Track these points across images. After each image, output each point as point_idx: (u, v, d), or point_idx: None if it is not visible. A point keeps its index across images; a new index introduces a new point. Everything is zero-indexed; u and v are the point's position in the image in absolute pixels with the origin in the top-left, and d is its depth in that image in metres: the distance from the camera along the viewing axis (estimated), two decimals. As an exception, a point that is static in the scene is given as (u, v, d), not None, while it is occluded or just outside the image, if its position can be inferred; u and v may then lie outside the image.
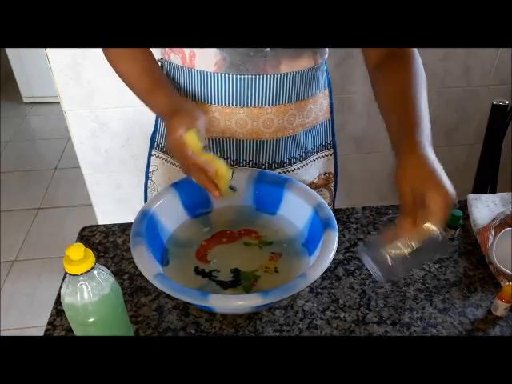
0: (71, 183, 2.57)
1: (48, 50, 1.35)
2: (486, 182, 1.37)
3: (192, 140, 0.70)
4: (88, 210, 1.83)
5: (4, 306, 1.92)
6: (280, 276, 0.73)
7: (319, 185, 0.98)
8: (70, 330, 0.66)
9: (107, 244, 0.86)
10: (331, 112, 0.95)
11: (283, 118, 0.84)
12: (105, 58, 0.82)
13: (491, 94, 1.73)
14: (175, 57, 0.81)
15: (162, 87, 0.79)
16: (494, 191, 1.36)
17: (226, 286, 0.72)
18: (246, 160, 0.87)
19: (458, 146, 1.87)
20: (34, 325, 1.83)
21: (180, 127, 0.69)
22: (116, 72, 0.82)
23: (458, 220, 0.84)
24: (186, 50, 0.79)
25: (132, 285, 0.78)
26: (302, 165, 0.92)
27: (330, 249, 0.68)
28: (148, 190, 0.99)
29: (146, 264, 0.66)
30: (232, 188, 0.76)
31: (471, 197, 0.93)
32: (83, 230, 0.89)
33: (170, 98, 0.76)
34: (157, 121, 0.94)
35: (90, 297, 0.57)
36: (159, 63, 0.89)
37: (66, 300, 0.58)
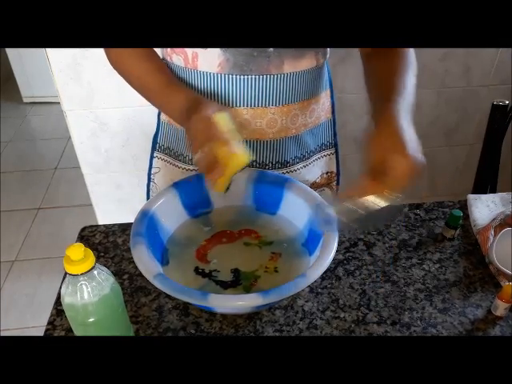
0: (71, 183, 2.57)
1: (48, 50, 1.35)
2: (486, 182, 1.37)
3: (224, 120, 0.68)
4: (88, 210, 1.83)
5: (4, 306, 1.92)
6: (280, 276, 0.73)
7: (321, 184, 0.98)
8: (70, 330, 0.66)
9: (107, 244, 0.86)
10: (333, 111, 0.95)
11: (286, 118, 0.84)
12: (105, 58, 0.81)
13: (491, 94, 1.73)
14: (177, 58, 0.81)
15: (178, 84, 0.79)
16: (494, 191, 1.36)
17: (226, 286, 0.72)
18: None
19: (458, 146, 1.88)
20: (34, 325, 1.83)
21: (211, 107, 0.69)
22: (122, 74, 0.82)
23: (458, 220, 0.84)
24: (189, 51, 0.78)
25: (132, 285, 0.78)
26: (304, 164, 0.92)
27: (329, 249, 0.68)
28: (150, 192, 0.99)
29: (146, 264, 0.66)
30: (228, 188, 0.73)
31: (471, 197, 0.93)
32: (83, 230, 0.89)
33: (190, 92, 0.77)
34: (158, 123, 0.93)
35: (89, 297, 0.57)
36: (160, 57, 0.89)
37: (66, 300, 0.58)
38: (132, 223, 0.73)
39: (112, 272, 0.62)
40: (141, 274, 0.66)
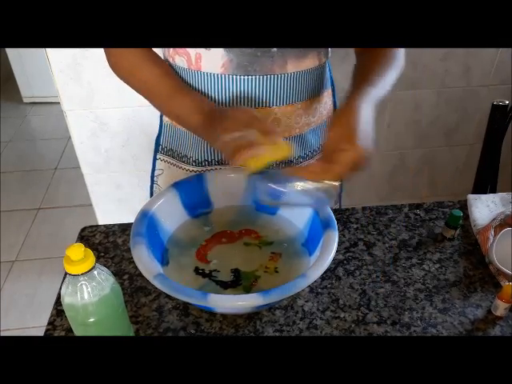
0: (71, 183, 2.57)
1: (48, 49, 1.35)
2: (486, 182, 1.37)
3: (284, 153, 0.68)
4: (88, 210, 1.83)
5: (4, 305, 1.92)
6: (280, 276, 0.73)
7: None
8: (70, 330, 0.66)
9: (107, 244, 0.86)
10: (335, 110, 0.95)
11: (290, 117, 0.84)
12: (105, 59, 0.81)
13: (491, 94, 1.73)
14: (180, 59, 0.81)
15: (188, 88, 0.79)
16: (494, 191, 1.36)
17: (226, 286, 0.72)
18: None
19: (458, 146, 1.88)
20: (34, 325, 1.83)
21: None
22: (125, 78, 0.81)
23: (458, 220, 0.84)
24: (192, 52, 0.78)
25: (132, 285, 0.78)
26: (308, 164, 0.92)
27: (330, 249, 0.68)
28: (154, 194, 0.99)
29: (146, 264, 0.66)
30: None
31: (471, 197, 0.93)
32: (83, 230, 0.89)
33: (203, 97, 0.77)
34: (161, 124, 0.93)
35: (90, 297, 0.57)
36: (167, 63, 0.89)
37: (66, 300, 0.58)
38: (132, 223, 0.73)
39: (112, 272, 0.62)
40: (141, 274, 0.66)
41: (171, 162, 0.92)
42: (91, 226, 0.90)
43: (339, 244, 0.84)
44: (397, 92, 1.66)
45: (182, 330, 0.71)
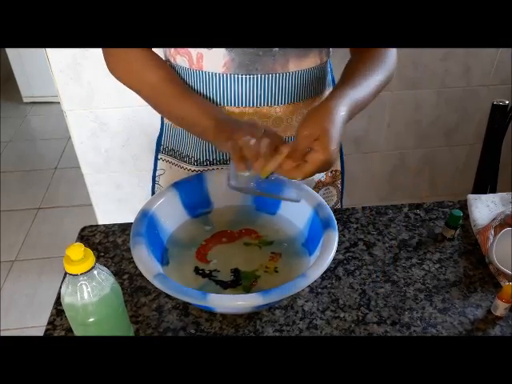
0: (71, 183, 2.57)
1: (48, 49, 1.35)
2: (486, 182, 1.37)
3: None
4: (88, 210, 1.83)
5: (4, 306, 1.92)
6: (280, 276, 0.73)
7: (327, 183, 0.98)
8: (70, 330, 0.66)
9: (107, 244, 0.86)
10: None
11: (292, 116, 0.84)
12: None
13: (491, 94, 1.73)
14: (182, 59, 0.81)
15: (194, 92, 0.79)
16: (494, 191, 1.36)
17: (225, 286, 0.72)
18: None
19: (458, 146, 1.88)
20: (34, 325, 1.83)
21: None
22: (128, 83, 0.81)
23: (458, 220, 0.84)
24: (193, 52, 0.78)
25: (132, 285, 0.78)
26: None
27: (329, 249, 0.68)
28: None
29: (146, 264, 0.66)
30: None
31: (471, 197, 0.93)
32: (83, 229, 0.89)
33: (207, 102, 0.78)
34: (162, 124, 0.93)
35: (89, 297, 0.57)
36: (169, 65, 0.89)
37: (66, 300, 0.58)
38: (132, 223, 0.73)
39: (112, 272, 0.62)
40: (141, 274, 0.66)
41: (172, 161, 0.92)
42: (91, 226, 0.90)
43: (339, 244, 0.84)
44: (397, 92, 1.66)
45: (182, 330, 0.71)
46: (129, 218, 0.82)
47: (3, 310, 1.89)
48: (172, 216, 0.80)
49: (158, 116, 0.92)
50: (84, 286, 0.57)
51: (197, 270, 0.74)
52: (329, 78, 0.91)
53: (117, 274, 0.79)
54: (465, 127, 1.82)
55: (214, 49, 0.76)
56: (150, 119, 1.48)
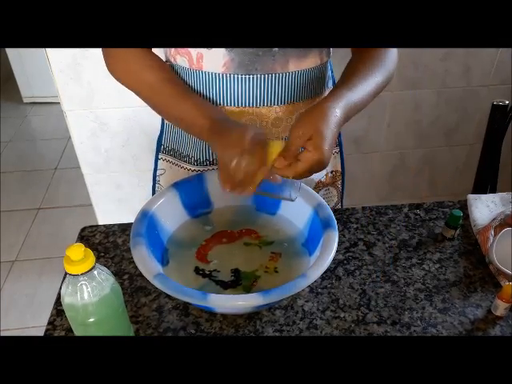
0: (71, 183, 2.57)
1: (48, 50, 1.35)
2: (486, 182, 1.37)
3: (277, 148, 0.67)
4: (88, 210, 1.83)
5: (4, 306, 1.92)
6: (280, 276, 0.73)
7: (327, 183, 0.98)
8: (70, 330, 0.66)
9: (107, 244, 0.86)
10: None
11: (292, 116, 0.84)
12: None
13: (491, 94, 1.73)
14: (182, 59, 0.81)
15: (193, 92, 0.78)
16: (494, 191, 1.36)
17: (226, 286, 0.72)
18: None
19: (458, 146, 1.88)
20: (34, 325, 1.83)
21: (253, 130, 0.68)
22: (127, 83, 0.80)
23: (458, 220, 0.84)
24: (193, 52, 0.78)
25: (132, 285, 0.78)
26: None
27: (330, 249, 0.68)
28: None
29: (146, 264, 0.66)
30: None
31: (471, 197, 0.93)
32: (83, 230, 0.89)
33: (206, 102, 0.76)
34: (163, 124, 0.93)
35: (90, 297, 0.57)
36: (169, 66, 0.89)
37: (66, 300, 0.58)
38: (132, 223, 0.73)
39: (112, 272, 0.62)
40: (141, 274, 0.66)
41: (173, 161, 0.92)
42: (91, 226, 0.90)
43: (339, 244, 0.84)
44: (397, 92, 1.66)
45: (182, 330, 0.71)
46: (129, 218, 0.82)
47: (3, 310, 1.89)
48: (172, 216, 0.80)
49: (158, 116, 0.92)
50: (84, 286, 0.57)
51: (197, 270, 0.74)
52: (329, 78, 0.91)
53: (117, 274, 0.79)
54: (465, 127, 1.82)
55: (213, 49, 0.76)
56: (150, 119, 1.48)
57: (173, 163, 0.92)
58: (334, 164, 0.98)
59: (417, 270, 0.80)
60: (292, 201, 0.73)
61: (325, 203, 0.77)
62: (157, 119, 0.93)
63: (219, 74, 0.79)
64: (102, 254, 0.83)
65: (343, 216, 0.92)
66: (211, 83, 0.80)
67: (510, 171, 1.67)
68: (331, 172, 0.98)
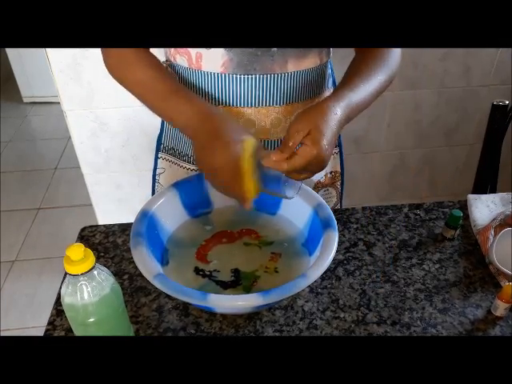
0: (71, 183, 2.57)
1: (48, 50, 1.35)
2: (486, 182, 1.37)
3: (250, 147, 0.66)
4: (88, 210, 1.83)
5: (4, 306, 1.92)
6: (280, 276, 0.73)
7: (326, 184, 0.98)
8: (70, 330, 0.66)
9: (107, 244, 0.86)
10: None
11: (291, 117, 0.84)
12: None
13: (491, 94, 1.73)
14: (181, 58, 0.81)
15: (187, 92, 0.76)
16: (494, 191, 1.36)
17: (226, 286, 0.72)
18: None
19: (458, 146, 1.88)
20: (34, 325, 1.83)
21: (236, 133, 0.67)
22: (121, 80, 0.80)
23: (458, 220, 0.84)
24: (193, 52, 0.78)
25: (132, 285, 0.78)
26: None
27: (330, 249, 0.68)
28: (155, 193, 0.99)
29: (146, 264, 0.66)
30: None
31: (471, 197, 0.93)
32: (83, 230, 0.89)
33: (201, 104, 0.73)
34: (162, 123, 0.93)
35: (90, 297, 0.57)
36: (164, 65, 0.89)
37: (66, 300, 0.58)
38: (132, 223, 0.73)
39: (112, 272, 0.62)
40: (141, 274, 0.66)
41: (172, 160, 0.93)
42: (91, 226, 0.90)
43: (339, 244, 0.84)
44: (397, 92, 1.66)
45: (182, 330, 0.71)
46: (129, 218, 0.82)
47: (3, 310, 1.89)
48: (172, 216, 0.80)
49: (158, 116, 0.93)
50: (84, 286, 0.57)
51: (197, 270, 0.74)
52: (329, 78, 0.91)
53: (117, 274, 0.79)
54: (465, 127, 1.82)
55: (212, 49, 0.76)
56: (149, 119, 1.48)
57: (172, 162, 0.93)
58: (333, 165, 0.98)
59: (417, 270, 0.80)
60: (288, 198, 0.72)
61: (325, 203, 0.77)
62: (157, 119, 0.93)
63: (218, 74, 0.79)
64: (102, 254, 0.83)
65: (343, 216, 0.92)
66: (210, 83, 0.80)
67: (510, 171, 1.67)
68: (330, 173, 0.98)
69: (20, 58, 3.06)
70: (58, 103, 1.47)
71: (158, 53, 0.83)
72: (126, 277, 0.79)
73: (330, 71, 0.91)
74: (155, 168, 0.97)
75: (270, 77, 0.79)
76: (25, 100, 3.31)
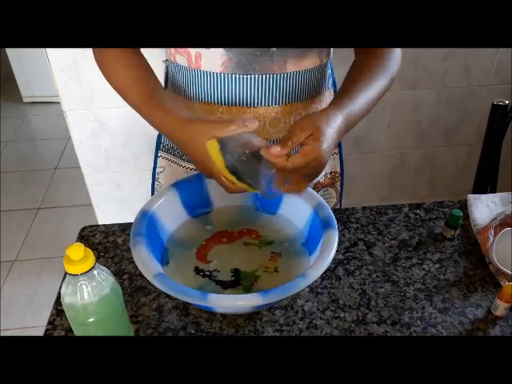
0: (71, 183, 2.57)
1: (48, 50, 1.35)
2: (485, 182, 1.37)
3: (214, 151, 0.67)
4: (88, 210, 1.83)
5: (4, 306, 1.92)
6: (280, 276, 0.73)
7: (326, 184, 0.98)
8: (70, 329, 0.66)
9: (107, 244, 0.86)
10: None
11: (290, 117, 0.84)
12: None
13: (491, 94, 1.73)
14: (181, 58, 0.81)
15: (160, 98, 0.75)
16: (494, 191, 1.36)
17: (226, 286, 0.72)
18: None
19: (458, 146, 1.88)
20: (34, 325, 1.83)
21: (201, 137, 0.68)
22: (108, 81, 0.80)
23: (458, 220, 0.84)
24: (192, 51, 0.78)
25: (132, 285, 0.78)
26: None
27: (330, 249, 0.68)
28: (155, 192, 0.99)
29: (146, 264, 0.66)
30: None
31: (471, 197, 0.93)
32: (83, 229, 0.89)
33: (171, 111, 0.72)
34: None
35: (90, 297, 0.57)
36: (164, 64, 0.89)
37: (66, 300, 0.58)
38: (132, 223, 0.73)
39: (112, 272, 0.62)
40: (141, 274, 0.66)
41: (172, 159, 0.93)
42: (91, 226, 0.90)
43: (339, 244, 0.84)
44: (397, 92, 1.66)
45: (182, 330, 0.71)
46: (129, 218, 0.82)
47: (3, 310, 1.89)
48: (172, 216, 0.80)
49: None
50: (84, 286, 0.57)
51: (197, 270, 0.74)
52: (329, 79, 0.91)
53: (117, 274, 0.79)
54: (465, 127, 1.82)
55: (212, 48, 0.76)
56: (150, 119, 1.48)
57: (172, 161, 0.93)
58: (333, 165, 0.98)
59: (417, 270, 0.80)
60: (270, 197, 0.70)
61: (325, 203, 0.77)
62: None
63: (217, 74, 0.79)
64: (102, 254, 0.83)
65: (343, 216, 0.92)
66: (209, 82, 0.80)
67: (510, 171, 1.67)
68: (330, 173, 0.98)
69: (20, 58, 3.06)
70: (58, 103, 1.47)
71: (158, 52, 0.83)
72: (125, 277, 0.79)
73: (330, 71, 0.91)
74: (155, 167, 0.97)
75: (269, 77, 0.79)
76: (25, 100, 3.31)
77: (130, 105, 0.79)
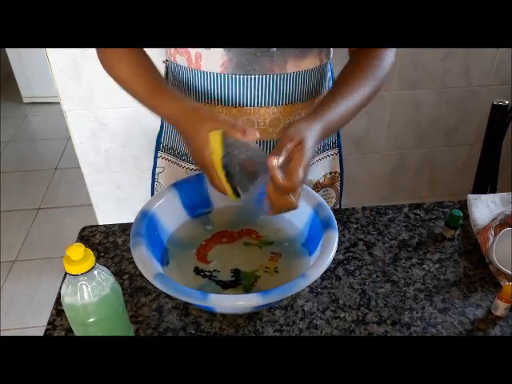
0: (71, 183, 2.57)
1: (48, 50, 1.35)
2: (485, 182, 1.37)
3: (216, 142, 0.66)
4: (88, 210, 1.83)
5: (4, 306, 1.92)
6: (280, 276, 0.73)
7: (325, 184, 0.98)
8: (70, 330, 0.66)
9: (107, 244, 0.86)
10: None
11: (290, 117, 0.84)
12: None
13: (491, 94, 1.73)
14: (181, 58, 0.81)
15: (165, 91, 0.76)
16: (494, 191, 1.36)
17: (226, 286, 0.72)
18: None
19: (458, 146, 1.88)
20: (34, 325, 1.83)
21: (207, 125, 0.67)
22: (113, 78, 0.81)
23: (458, 220, 0.84)
24: (192, 52, 0.78)
25: (132, 285, 0.78)
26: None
27: (330, 249, 0.68)
28: (155, 192, 0.99)
29: (146, 264, 0.66)
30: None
31: (471, 197, 0.93)
32: (83, 230, 0.89)
33: (178, 98, 0.74)
34: (162, 122, 0.94)
35: (90, 297, 0.57)
36: (164, 65, 0.89)
37: (66, 300, 0.58)
38: (132, 223, 0.73)
39: (112, 272, 0.62)
40: (141, 274, 0.66)
41: (171, 159, 0.93)
42: (91, 226, 0.90)
43: (339, 244, 0.84)
44: (397, 92, 1.66)
45: (182, 330, 0.71)
46: (129, 218, 0.82)
47: (3, 310, 1.89)
48: (172, 216, 0.80)
49: (158, 116, 0.93)
50: (84, 286, 0.57)
51: (197, 270, 0.74)
52: (329, 79, 0.91)
53: (117, 274, 0.79)
54: (465, 127, 1.82)
55: (212, 49, 0.76)
56: (150, 119, 1.47)
57: (172, 161, 0.93)
58: (333, 165, 0.98)
59: (417, 270, 0.80)
60: (253, 209, 0.71)
61: (325, 203, 0.77)
62: (157, 119, 0.93)
63: (217, 74, 0.79)
64: (102, 254, 0.83)
65: (343, 216, 0.92)
66: (209, 83, 0.80)
67: (510, 171, 1.67)
68: (330, 173, 0.98)
69: (20, 58, 3.06)
70: (58, 103, 1.47)
71: (159, 52, 0.83)
72: (125, 277, 0.79)
73: (330, 72, 0.91)
74: (154, 167, 0.97)
75: (269, 77, 0.79)
76: (25, 100, 3.32)
77: (134, 96, 0.80)
